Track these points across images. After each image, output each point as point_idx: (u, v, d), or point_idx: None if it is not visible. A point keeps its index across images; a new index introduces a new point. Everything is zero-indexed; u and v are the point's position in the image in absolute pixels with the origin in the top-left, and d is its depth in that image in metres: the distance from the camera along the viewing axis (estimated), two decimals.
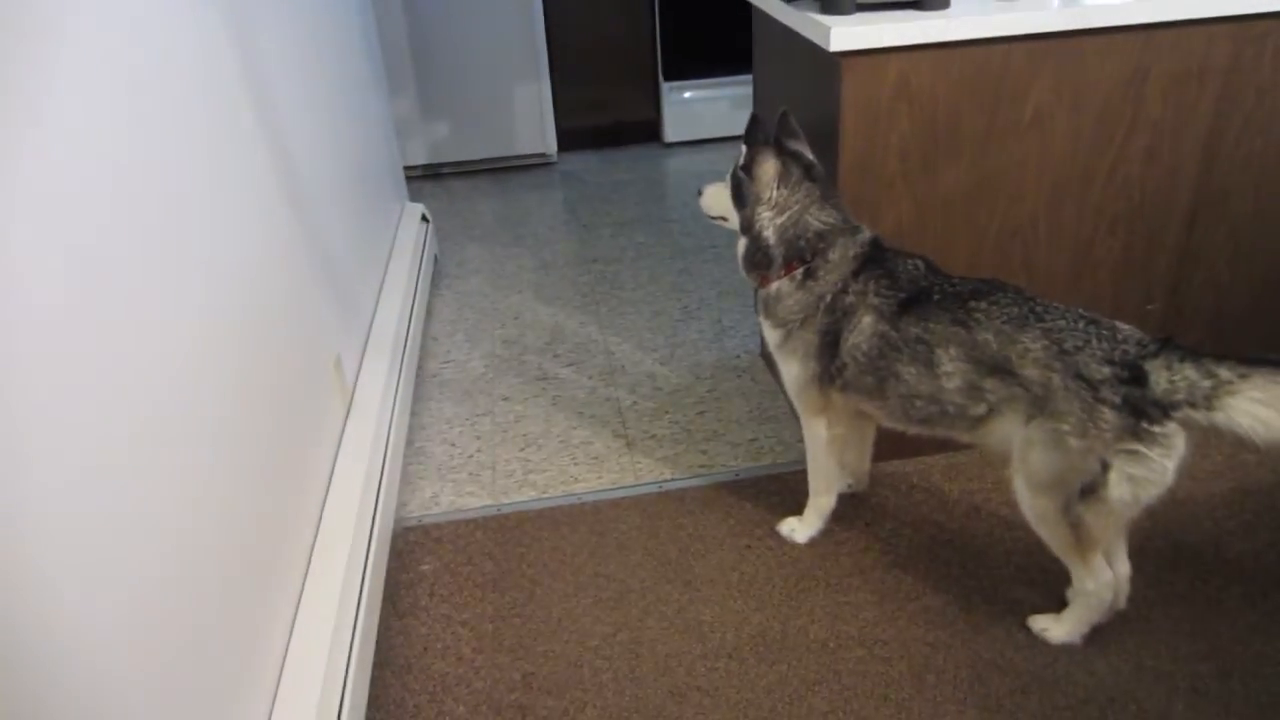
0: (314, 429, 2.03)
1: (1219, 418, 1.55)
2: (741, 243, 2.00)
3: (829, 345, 1.92)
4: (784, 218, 1.90)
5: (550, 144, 4.76)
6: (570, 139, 4.85)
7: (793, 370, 2.01)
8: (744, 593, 2.09)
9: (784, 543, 2.21)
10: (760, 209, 1.92)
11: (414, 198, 3.82)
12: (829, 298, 1.90)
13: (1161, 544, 2.11)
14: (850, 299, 1.88)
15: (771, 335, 2.03)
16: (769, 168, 1.89)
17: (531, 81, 4.59)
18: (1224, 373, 1.55)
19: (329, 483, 2.06)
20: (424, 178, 4.71)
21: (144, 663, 1.18)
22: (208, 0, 1.71)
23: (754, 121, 1.91)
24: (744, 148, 1.93)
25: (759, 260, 1.96)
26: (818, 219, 1.90)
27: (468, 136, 4.68)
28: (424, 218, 3.59)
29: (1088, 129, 2.14)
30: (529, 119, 4.68)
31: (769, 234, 1.91)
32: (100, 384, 1.15)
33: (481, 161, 4.77)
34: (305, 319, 2.07)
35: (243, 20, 1.89)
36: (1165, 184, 2.23)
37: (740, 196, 1.95)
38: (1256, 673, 1.82)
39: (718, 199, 2.06)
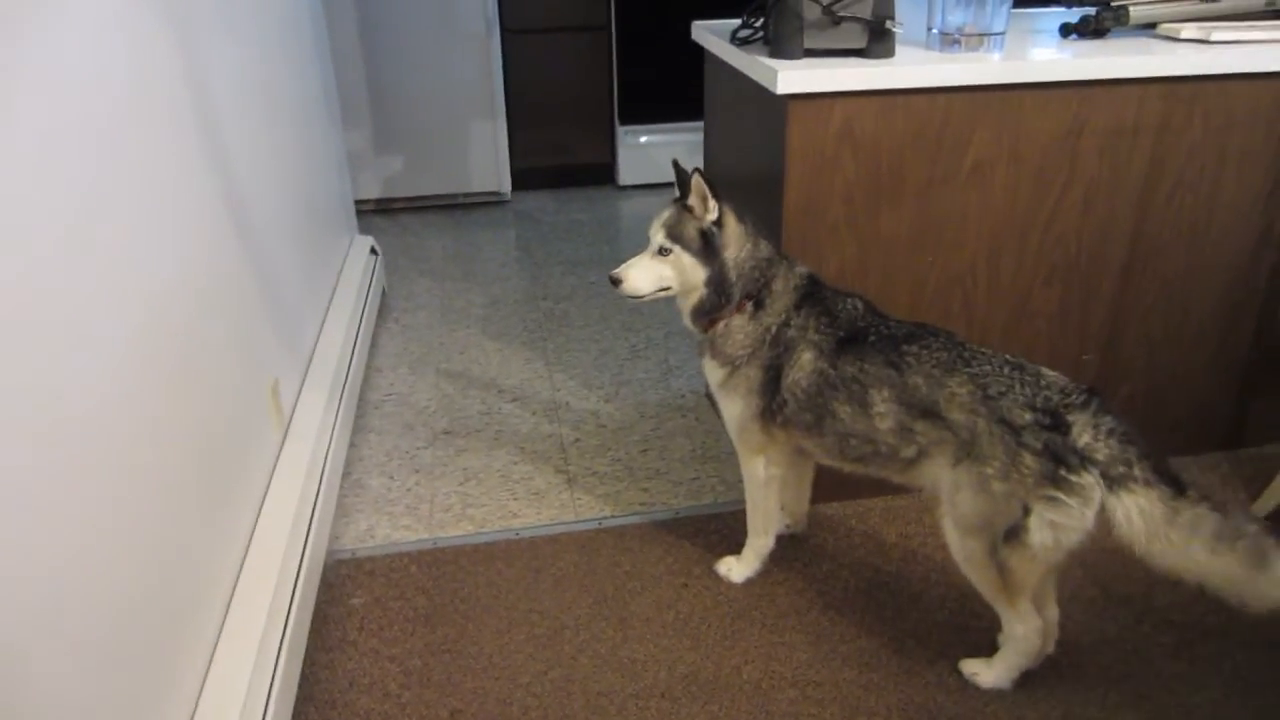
0: (246, 452, 1.99)
1: (1111, 502, 1.60)
2: (696, 296, 1.94)
3: (771, 380, 1.93)
4: (741, 254, 1.92)
5: (504, 183, 4.78)
6: (525, 179, 4.88)
7: (735, 408, 2.01)
8: (679, 632, 2.07)
9: (721, 582, 2.20)
10: (726, 254, 1.91)
11: (365, 231, 3.80)
12: (774, 329, 1.91)
13: (1092, 591, 2.13)
14: (792, 333, 1.89)
15: (716, 375, 2.02)
16: (731, 215, 1.90)
17: (487, 120, 4.62)
18: (1136, 470, 1.59)
19: (260, 509, 2.01)
20: (376, 212, 4.69)
21: (50, 692, 1.14)
22: (151, 24, 1.70)
23: (706, 180, 1.85)
24: (671, 209, 1.92)
25: (717, 304, 1.94)
26: (763, 250, 1.93)
27: (422, 172, 4.68)
28: (373, 250, 3.57)
29: (1026, 181, 2.19)
30: (484, 157, 4.69)
31: (732, 275, 1.92)
32: (26, 395, 1.12)
33: (435, 198, 4.77)
34: (242, 340, 2.04)
35: (190, 45, 1.88)
36: (1100, 238, 2.29)
37: (711, 251, 1.90)
38: None
39: (651, 272, 1.94)
